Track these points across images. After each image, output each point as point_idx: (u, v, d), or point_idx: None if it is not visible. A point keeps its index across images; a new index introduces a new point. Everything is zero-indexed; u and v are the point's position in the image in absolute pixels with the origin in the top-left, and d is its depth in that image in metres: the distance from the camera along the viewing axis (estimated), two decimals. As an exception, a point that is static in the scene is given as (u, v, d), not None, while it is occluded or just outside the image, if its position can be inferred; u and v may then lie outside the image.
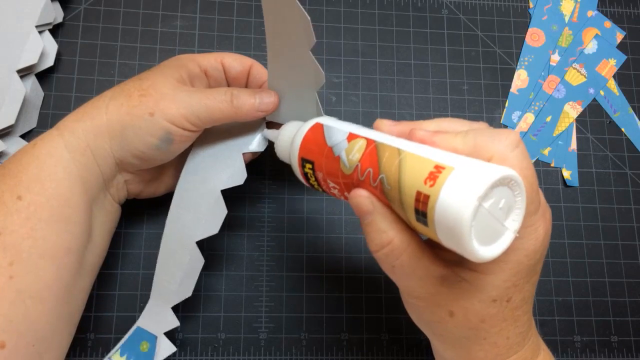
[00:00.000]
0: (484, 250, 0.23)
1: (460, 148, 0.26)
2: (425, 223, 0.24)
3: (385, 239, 0.27)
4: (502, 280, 0.26)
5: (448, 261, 0.28)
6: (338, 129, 0.30)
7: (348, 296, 0.43)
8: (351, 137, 0.29)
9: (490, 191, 0.22)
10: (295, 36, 0.30)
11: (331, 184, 0.30)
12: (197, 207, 0.37)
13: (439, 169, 0.23)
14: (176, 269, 0.36)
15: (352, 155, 0.28)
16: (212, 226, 0.36)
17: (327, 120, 0.32)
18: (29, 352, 0.30)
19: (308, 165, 0.31)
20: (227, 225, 0.43)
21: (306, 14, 0.29)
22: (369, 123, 0.47)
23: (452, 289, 0.27)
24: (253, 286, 0.43)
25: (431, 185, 0.23)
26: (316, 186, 0.32)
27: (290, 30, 0.30)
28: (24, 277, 0.30)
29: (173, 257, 0.36)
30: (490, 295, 0.26)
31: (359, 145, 0.28)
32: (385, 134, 0.29)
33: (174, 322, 0.37)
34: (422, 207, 0.24)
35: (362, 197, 0.27)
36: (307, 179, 0.32)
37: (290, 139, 0.34)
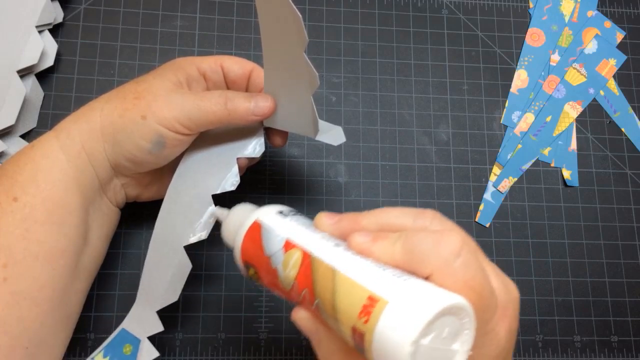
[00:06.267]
0: None
1: (398, 260, 0.24)
2: (367, 358, 0.23)
3: None
4: None
5: None
6: (275, 235, 0.28)
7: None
8: (287, 246, 0.27)
9: (428, 327, 0.20)
10: (288, 36, 0.30)
11: (276, 293, 0.29)
12: (188, 211, 0.35)
13: (372, 301, 0.22)
14: (164, 272, 0.35)
15: (288, 270, 0.26)
16: (201, 231, 0.35)
17: (268, 217, 0.29)
18: (22, 354, 0.30)
19: (252, 270, 0.29)
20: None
21: (297, 12, 0.28)
22: (369, 123, 0.47)
23: None
24: (253, 286, 0.42)
25: (365, 322, 0.22)
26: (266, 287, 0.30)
27: (283, 30, 0.30)
28: (18, 279, 0.30)
29: (161, 260, 0.35)
30: None
31: (295, 259, 0.26)
32: (325, 237, 0.27)
33: (158, 327, 0.36)
34: (359, 344, 0.22)
35: (303, 319, 0.26)
36: (255, 281, 0.30)
37: (235, 229, 0.31)
